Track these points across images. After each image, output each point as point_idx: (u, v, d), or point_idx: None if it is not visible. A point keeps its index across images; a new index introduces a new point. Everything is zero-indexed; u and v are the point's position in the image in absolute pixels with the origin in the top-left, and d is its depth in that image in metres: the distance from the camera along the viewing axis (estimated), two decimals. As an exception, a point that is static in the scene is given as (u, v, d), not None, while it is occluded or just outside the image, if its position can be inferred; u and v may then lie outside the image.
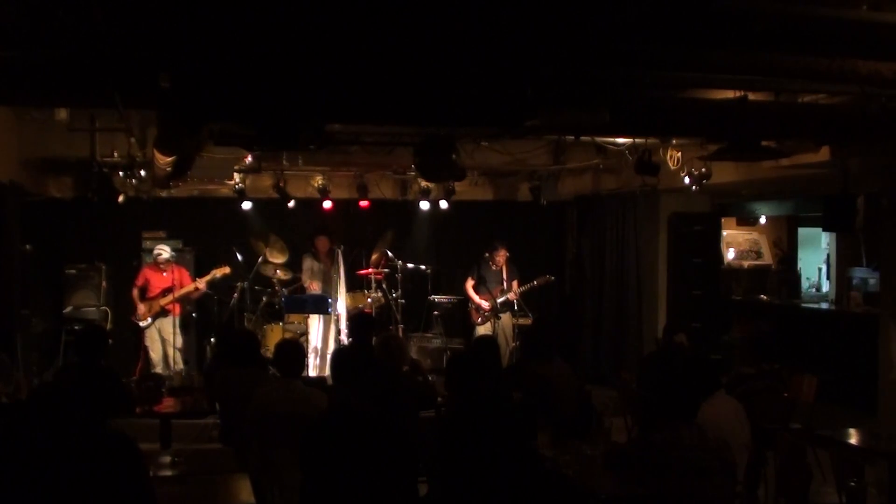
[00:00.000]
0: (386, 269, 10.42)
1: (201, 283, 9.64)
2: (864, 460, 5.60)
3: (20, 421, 3.18)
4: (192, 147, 7.09)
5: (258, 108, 4.95)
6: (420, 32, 4.17)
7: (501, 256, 10.13)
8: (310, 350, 9.59)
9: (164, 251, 9.54)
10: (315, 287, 9.96)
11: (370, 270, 10.35)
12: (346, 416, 2.59)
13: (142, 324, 9.56)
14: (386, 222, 10.93)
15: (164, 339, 9.60)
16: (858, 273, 10.73)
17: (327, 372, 6.79)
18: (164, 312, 9.53)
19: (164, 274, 9.52)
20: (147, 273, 9.68)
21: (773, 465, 5.46)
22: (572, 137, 7.96)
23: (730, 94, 5.61)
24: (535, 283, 10.10)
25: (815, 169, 7.73)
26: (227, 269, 9.70)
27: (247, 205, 10.32)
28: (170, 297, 9.45)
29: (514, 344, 9.98)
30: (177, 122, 5.42)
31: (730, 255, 13.08)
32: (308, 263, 10.15)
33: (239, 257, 10.05)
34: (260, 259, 10.06)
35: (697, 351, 7.67)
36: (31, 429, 3.11)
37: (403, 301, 10.50)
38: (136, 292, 9.60)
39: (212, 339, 9.49)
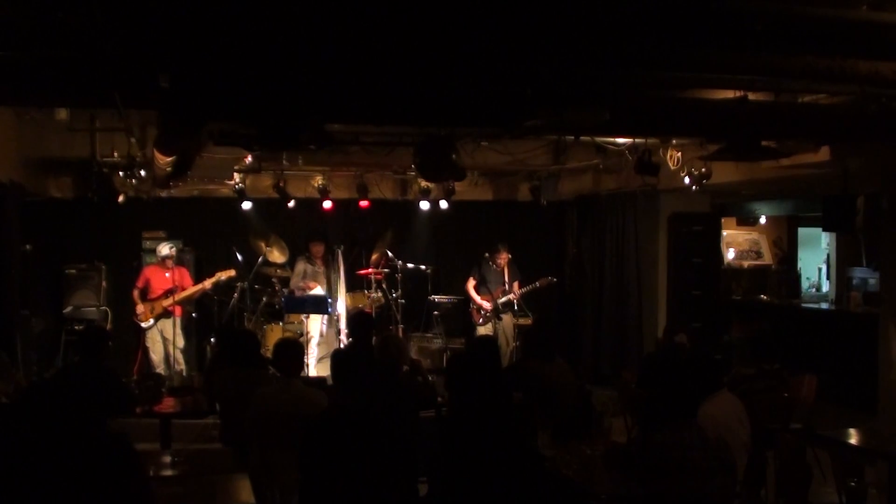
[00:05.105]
0: (386, 269, 10.42)
1: (207, 285, 9.65)
2: (864, 460, 5.59)
3: (18, 420, 3.18)
4: (192, 147, 7.09)
5: (258, 108, 4.95)
6: (420, 33, 4.17)
7: (503, 258, 10.12)
8: (309, 350, 9.59)
9: (168, 248, 9.52)
10: (312, 287, 9.98)
11: (370, 270, 10.36)
12: (346, 416, 2.59)
13: (144, 325, 9.54)
14: (386, 222, 10.93)
15: (165, 340, 9.60)
16: (858, 273, 10.73)
17: (327, 372, 6.80)
18: (166, 313, 9.52)
19: (167, 274, 9.49)
20: (149, 273, 9.64)
21: (773, 465, 5.46)
22: (572, 137, 7.95)
23: (730, 94, 5.61)
24: (538, 284, 10.10)
25: (815, 169, 7.72)
26: (232, 272, 9.70)
27: (247, 205, 10.31)
28: (172, 299, 9.43)
29: (514, 344, 9.98)
30: (177, 122, 5.43)
31: (730, 255, 13.08)
32: (301, 266, 10.17)
33: (239, 257, 10.06)
34: (260, 259, 10.07)
35: (698, 350, 7.66)
36: (29, 428, 3.11)
37: (403, 301, 10.51)
38: (136, 293, 9.58)
39: (212, 339, 9.48)
